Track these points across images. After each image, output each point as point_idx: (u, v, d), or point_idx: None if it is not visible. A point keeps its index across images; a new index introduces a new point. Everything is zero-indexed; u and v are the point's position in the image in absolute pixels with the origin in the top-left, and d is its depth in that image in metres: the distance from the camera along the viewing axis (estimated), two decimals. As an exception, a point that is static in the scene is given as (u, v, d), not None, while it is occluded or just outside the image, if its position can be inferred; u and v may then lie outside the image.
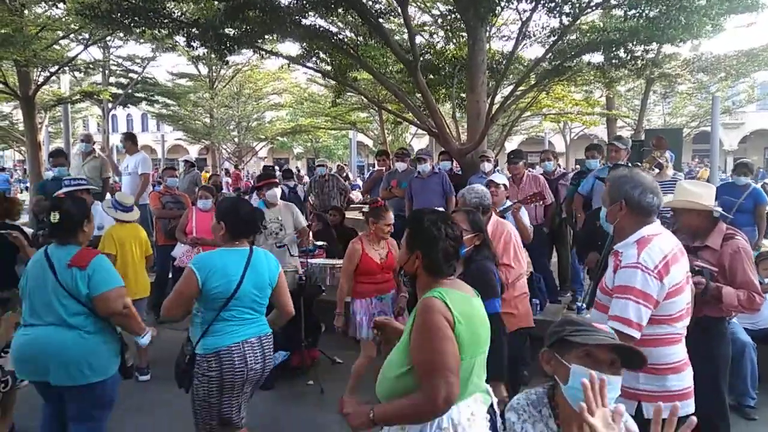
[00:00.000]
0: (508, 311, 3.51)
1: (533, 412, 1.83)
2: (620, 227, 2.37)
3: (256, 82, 23.81)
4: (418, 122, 8.34)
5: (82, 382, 2.81)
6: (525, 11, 7.28)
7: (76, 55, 14.18)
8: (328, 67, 9.38)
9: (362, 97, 14.61)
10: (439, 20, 11.05)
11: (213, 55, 8.82)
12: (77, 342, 2.80)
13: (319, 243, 5.94)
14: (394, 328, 2.26)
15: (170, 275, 6.41)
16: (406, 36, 8.15)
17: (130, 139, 7.84)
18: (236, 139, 25.65)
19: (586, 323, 1.78)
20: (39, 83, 12.34)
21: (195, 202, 6.17)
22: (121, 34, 13.86)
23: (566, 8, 6.71)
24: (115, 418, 3.27)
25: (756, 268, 3.38)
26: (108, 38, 16.24)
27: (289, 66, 12.02)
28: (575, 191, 5.82)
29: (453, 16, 9.59)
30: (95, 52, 19.26)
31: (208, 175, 16.57)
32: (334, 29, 8.82)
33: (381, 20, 7.74)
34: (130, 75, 20.46)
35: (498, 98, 8.22)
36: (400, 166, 6.92)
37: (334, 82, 11.75)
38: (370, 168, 26.46)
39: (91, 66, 17.32)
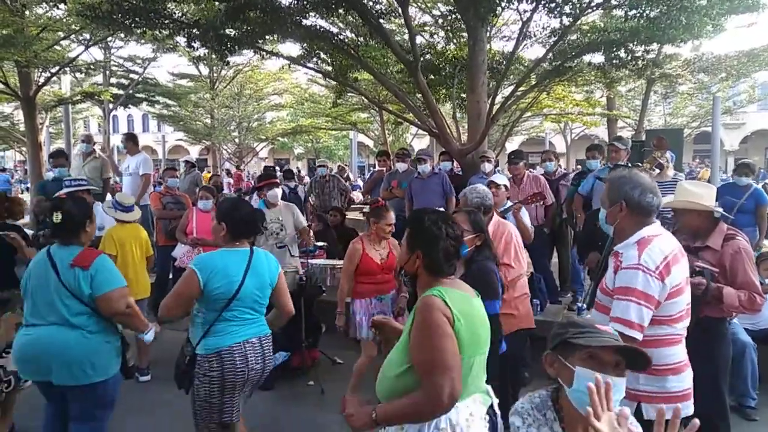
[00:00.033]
0: (508, 312, 3.51)
1: (538, 416, 1.81)
2: (620, 228, 2.36)
3: (257, 83, 23.84)
4: (419, 123, 8.34)
5: (85, 381, 2.82)
6: (525, 11, 7.28)
7: (77, 56, 14.21)
8: (329, 68, 9.39)
9: (363, 98, 14.62)
10: (440, 20, 11.05)
11: (214, 56, 8.84)
12: (79, 342, 2.81)
13: (320, 243, 5.94)
14: (392, 328, 2.26)
15: (171, 276, 6.41)
16: (406, 36, 8.15)
17: (131, 139, 7.84)
18: (237, 140, 25.68)
19: (589, 325, 1.76)
20: (40, 84, 12.36)
21: (195, 203, 6.17)
22: (122, 35, 13.88)
23: (567, 8, 6.70)
24: (115, 419, 3.27)
25: (757, 269, 3.38)
26: (109, 39, 16.26)
27: (289, 66, 12.05)
28: (575, 191, 5.82)
29: (453, 16, 9.60)
30: (96, 53, 19.31)
31: (209, 175, 16.60)
32: (334, 30, 8.83)
33: (381, 21, 7.74)
34: (131, 75, 20.50)
35: (498, 98, 8.22)
36: (401, 166, 6.92)
37: (335, 83, 11.75)
38: (371, 168, 26.46)
39: (92, 67, 17.34)
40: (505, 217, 4.32)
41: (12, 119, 20.74)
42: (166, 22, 7.25)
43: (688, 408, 2.33)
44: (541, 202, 5.50)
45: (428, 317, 1.84)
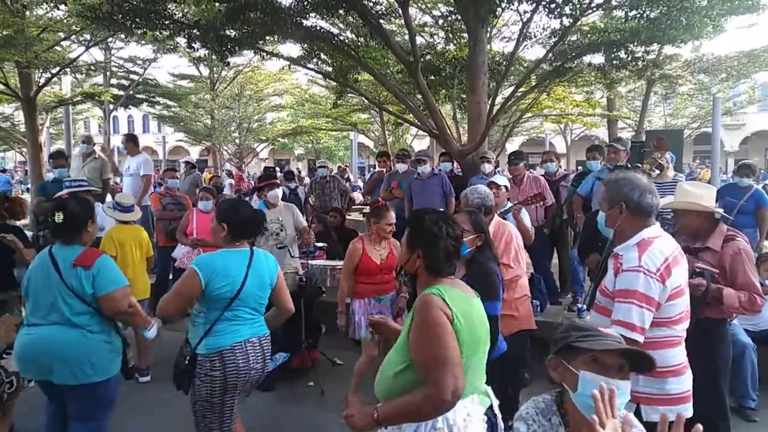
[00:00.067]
0: (509, 313, 3.51)
1: (543, 422, 1.79)
2: (621, 230, 2.36)
3: (257, 84, 23.83)
4: (419, 123, 8.35)
5: (85, 381, 2.83)
6: (526, 12, 7.28)
7: (78, 57, 14.22)
8: (329, 69, 9.39)
9: (363, 99, 14.62)
10: (440, 21, 11.05)
11: (214, 57, 8.84)
12: (80, 341, 2.82)
13: (320, 244, 5.95)
14: (389, 328, 2.26)
15: (170, 276, 6.41)
16: (406, 37, 8.15)
17: (131, 140, 7.85)
18: (237, 141, 25.67)
19: (592, 328, 1.75)
20: (40, 85, 12.36)
21: (196, 204, 6.18)
22: (123, 36, 13.89)
23: (567, 9, 6.70)
24: (115, 419, 3.27)
25: (757, 270, 3.38)
26: (109, 40, 16.26)
27: (290, 67, 12.05)
28: (575, 192, 5.82)
29: (453, 17, 9.60)
30: (96, 54, 19.31)
31: (210, 175, 16.61)
32: (335, 30, 8.83)
33: (382, 21, 7.75)
34: (132, 76, 20.49)
35: (499, 99, 8.22)
36: (401, 167, 6.92)
37: (335, 84, 11.75)
38: (371, 169, 26.46)
39: (92, 67, 17.37)
40: (505, 218, 4.32)
41: (12, 120, 20.73)
42: (167, 23, 7.25)
43: (687, 410, 2.33)
44: (541, 203, 5.50)
45: (428, 314, 1.83)
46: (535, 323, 3.84)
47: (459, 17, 8.63)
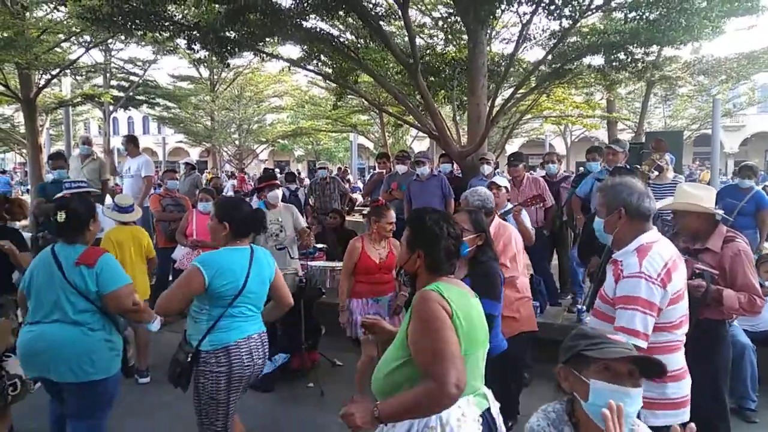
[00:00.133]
0: (510, 315, 3.51)
1: None
2: (619, 236, 2.35)
3: (257, 85, 23.87)
4: (419, 125, 8.35)
5: (85, 379, 2.85)
6: (525, 14, 7.28)
7: (78, 58, 14.22)
8: (329, 70, 9.39)
9: (363, 100, 14.63)
10: (440, 23, 11.07)
11: (214, 58, 8.85)
12: (81, 339, 2.84)
13: (319, 245, 5.95)
14: (382, 329, 2.26)
15: (170, 278, 6.41)
16: (406, 39, 8.15)
17: (131, 141, 7.85)
18: (237, 142, 25.70)
19: (601, 335, 1.73)
20: (40, 86, 12.35)
21: (195, 205, 6.18)
22: (123, 37, 13.93)
23: (566, 11, 6.71)
24: (114, 421, 3.27)
25: (756, 271, 3.38)
26: (109, 41, 16.28)
27: (290, 69, 12.01)
28: (574, 193, 5.82)
29: (453, 18, 9.61)
30: (96, 55, 19.33)
31: (211, 175, 16.62)
32: (335, 32, 8.85)
33: (381, 23, 7.75)
34: (131, 78, 20.51)
35: (498, 101, 8.22)
36: (401, 168, 6.93)
37: (335, 85, 11.75)
38: (371, 170, 26.48)
39: (92, 69, 17.36)
40: (505, 219, 4.33)
41: (12, 121, 20.72)
42: (167, 24, 7.26)
43: (684, 414, 2.34)
44: (541, 205, 5.50)
45: (426, 309, 1.83)
46: (536, 325, 3.84)
47: (458, 19, 8.64)
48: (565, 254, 6.29)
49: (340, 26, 9.59)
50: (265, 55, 8.73)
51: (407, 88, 9.95)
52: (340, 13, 7.46)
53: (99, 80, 20.79)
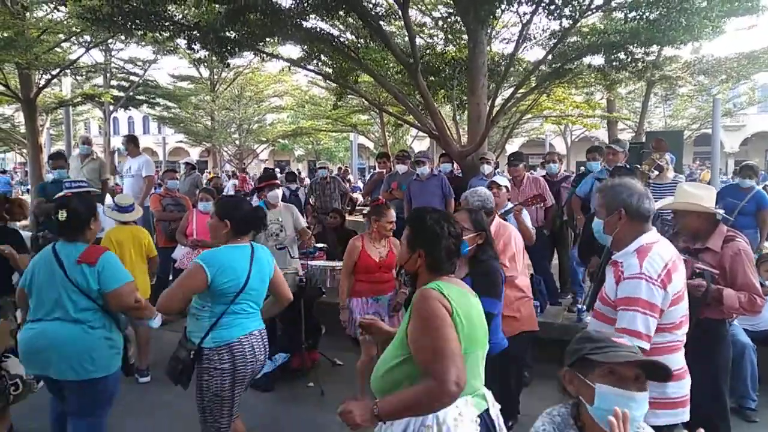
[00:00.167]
0: (510, 315, 3.51)
1: None
2: (619, 236, 2.35)
3: (257, 85, 23.88)
4: (419, 124, 8.36)
5: (85, 377, 2.86)
6: (525, 14, 7.28)
7: (78, 58, 14.23)
8: (329, 70, 9.40)
9: (363, 100, 14.63)
10: (440, 22, 11.07)
11: (214, 58, 8.85)
12: (81, 336, 2.86)
13: (320, 245, 5.95)
14: (379, 329, 2.26)
15: (170, 277, 6.41)
16: (406, 39, 8.16)
17: (132, 141, 7.85)
18: (237, 142, 25.71)
19: (606, 339, 1.71)
20: (40, 86, 12.36)
21: (195, 205, 6.18)
22: (123, 37, 13.92)
23: (566, 11, 6.71)
24: (115, 420, 3.27)
25: (757, 270, 3.38)
26: (109, 41, 16.28)
27: (290, 68, 12.03)
28: (574, 193, 5.82)
29: (453, 18, 9.61)
30: (97, 55, 19.33)
31: (212, 175, 16.62)
32: (335, 32, 8.85)
33: (382, 23, 7.75)
34: (132, 78, 20.52)
35: (499, 100, 8.22)
36: (401, 168, 6.94)
37: (335, 85, 11.76)
38: (371, 170, 26.48)
39: (92, 69, 17.36)
40: (506, 219, 4.33)
41: (13, 121, 20.73)
42: (167, 24, 7.26)
43: (684, 414, 2.34)
44: (541, 204, 5.50)
45: (426, 306, 1.82)
46: (537, 324, 3.84)
47: (459, 19, 8.64)
48: (566, 254, 6.29)
49: (341, 26, 9.59)
50: (265, 55, 8.73)
51: (407, 87, 9.95)
52: (340, 13, 7.46)
53: (99, 80, 20.80)
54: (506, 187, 4.75)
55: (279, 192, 5.32)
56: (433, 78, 9.64)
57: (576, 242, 5.86)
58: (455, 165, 7.52)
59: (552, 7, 6.70)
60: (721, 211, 3.29)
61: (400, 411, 1.81)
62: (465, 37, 8.24)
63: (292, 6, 7.11)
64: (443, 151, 7.66)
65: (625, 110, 21.79)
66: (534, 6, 6.93)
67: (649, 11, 6.98)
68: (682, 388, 2.33)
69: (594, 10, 7.50)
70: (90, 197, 3.61)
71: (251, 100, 24.55)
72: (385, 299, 4.30)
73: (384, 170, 7.89)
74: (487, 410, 1.97)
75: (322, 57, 8.69)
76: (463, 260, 2.83)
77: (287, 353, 4.86)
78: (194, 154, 35.28)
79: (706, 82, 18.45)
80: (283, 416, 4.28)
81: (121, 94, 19.52)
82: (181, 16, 7.63)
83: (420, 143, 28.50)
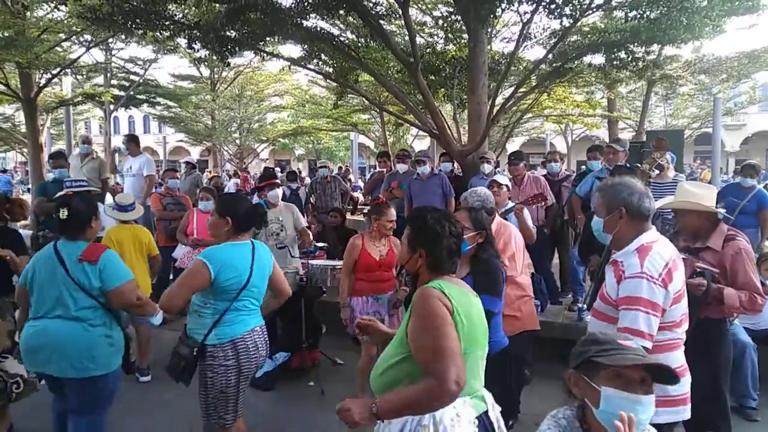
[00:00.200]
0: (511, 314, 3.50)
1: None
2: (619, 236, 2.35)
3: (258, 84, 23.87)
4: (419, 124, 8.35)
5: (85, 375, 2.87)
6: (526, 13, 7.28)
7: (78, 58, 14.24)
8: (330, 69, 9.39)
9: (364, 99, 14.62)
10: (440, 21, 11.06)
11: (214, 57, 8.83)
12: (81, 334, 2.87)
13: (320, 244, 5.96)
14: (377, 330, 2.25)
15: (171, 277, 6.41)
16: (407, 38, 8.16)
17: (132, 140, 7.85)
18: (238, 141, 25.71)
19: (611, 341, 1.70)
20: (41, 85, 12.37)
21: (196, 204, 6.19)
22: (123, 37, 13.91)
23: (567, 10, 6.70)
24: (115, 419, 3.28)
25: (757, 269, 3.38)
26: (110, 40, 16.29)
27: (290, 68, 12.02)
28: (574, 192, 5.82)
29: (453, 17, 9.60)
30: (97, 55, 19.33)
31: (212, 174, 16.62)
32: (335, 31, 8.85)
33: (382, 22, 7.75)
34: (132, 77, 20.52)
35: (499, 100, 8.22)
36: (401, 167, 6.94)
37: (336, 84, 11.76)
38: (372, 169, 26.48)
39: (93, 68, 17.37)
40: (506, 218, 4.32)
41: (13, 120, 20.74)
42: (167, 23, 7.26)
43: (685, 412, 2.34)
44: (542, 203, 5.50)
45: (426, 305, 1.82)
46: (538, 323, 3.84)
47: (459, 18, 8.63)
48: (566, 253, 6.29)
49: (341, 25, 9.59)
50: (265, 54, 8.72)
51: (408, 86, 9.95)
52: (341, 12, 7.46)
53: (100, 79, 20.79)
54: (507, 185, 4.74)
55: (279, 191, 5.33)
56: (433, 77, 9.63)
57: (576, 241, 5.86)
58: (456, 164, 7.51)
59: (552, 6, 6.69)
60: (722, 210, 3.29)
61: (399, 410, 1.79)
62: (465, 36, 8.23)
63: (293, 5, 7.11)
64: (443, 151, 7.65)
65: (625, 109, 21.77)
66: (534, 5, 6.92)
67: (649, 10, 6.97)
68: (682, 386, 2.32)
69: (594, 9, 7.49)
70: (91, 196, 3.62)
71: (252, 99, 24.55)
72: (385, 298, 4.30)
73: (384, 169, 7.88)
74: (486, 412, 1.96)
75: (323, 56, 8.69)
76: (465, 260, 2.84)
77: (288, 352, 4.86)
78: (195, 153, 35.29)
79: (707, 81, 18.44)
80: (284, 415, 4.29)
81: (122, 93, 19.51)
82: (181, 16, 7.63)
83: (420, 142, 28.50)
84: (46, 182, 7.55)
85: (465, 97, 8.36)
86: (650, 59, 9.37)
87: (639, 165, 4.99)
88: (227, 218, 2.95)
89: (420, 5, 11.28)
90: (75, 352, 2.84)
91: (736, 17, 9.21)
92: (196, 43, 7.53)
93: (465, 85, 8.36)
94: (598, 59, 8.83)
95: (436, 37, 11.75)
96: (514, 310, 3.56)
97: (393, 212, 4.29)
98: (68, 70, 14.23)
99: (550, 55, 8.12)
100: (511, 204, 4.68)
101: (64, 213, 2.92)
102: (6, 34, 10.44)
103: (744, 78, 17.86)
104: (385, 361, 1.95)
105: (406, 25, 7.23)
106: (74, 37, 12.96)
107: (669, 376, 1.66)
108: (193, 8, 7.76)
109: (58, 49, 12.81)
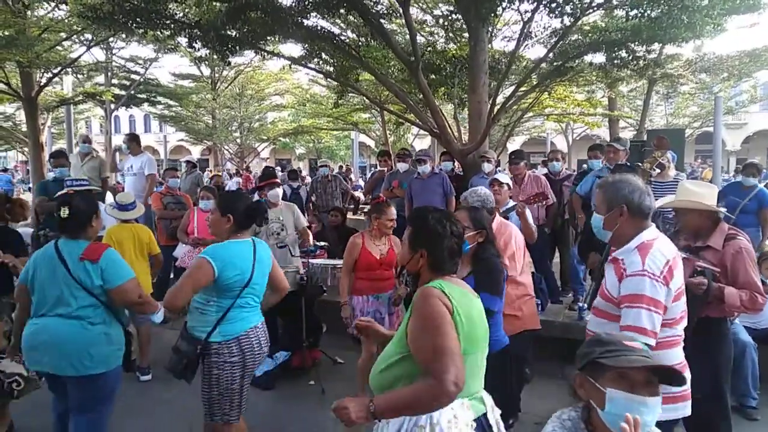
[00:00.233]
0: (512, 313, 3.50)
1: None
2: (620, 233, 2.35)
3: (258, 83, 23.90)
4: (420, 123, 8.35)
5: (84, 373, 2.87)
6: (526, 12, 7.27)
7: (79, 57, 14.25)
8: (330, 68, 9.39)
9: (364, 98, 14.62)
10: (441, 20, 11.06)
11: (215, 56, 8.83)
12: (80, 332, 2.87)
13: (321, 243, 5.96)
14: (376, 331, 2.25)
15: (172, 276, 6.42)
16: (407, 37, 8.15)
17: (133, 140, 7.86)
18: (238, 140, 25.72)
19: (616, 341, 1.69)
20: (42, 84, 12.37)
21: (197, 203, 6.19)
22: (124, 36, 13.91)
23: (568, 9, 6.69)
24: (115, 418, 3.28)
25: (758, 269, 3.37)
26: (110, 39, 16.29)
27: (291, 67, 12.04)
28: (575, 191, 5.82)
29: (454, 16, 9.60)
30: (98, 54, 19.34)
31: (213, 174, 16.63)
32: (335, 30, 8.83)
33: (382, 21, 7.74)
34: (133, 76, 20.52)
35: (500, 99, 8.21)
36: (402, 166, 6.94)
37: (336, 83, 11.76)
38: (372, 168, 26.47)
39: (93, 67, 17.37)
40: (507, 217, 4.32)
41: (14, 120, 20.75)
42: (168, 22, 7.25)
43: (686, 409, 2.34)
44: (543, 202, 5.50)
45: (427, 304, 1.82)
46: (539, 323, 3.84)
47: (459, 16, 8.62)
48: (567, 252, 6.29)
49: (341, 24, 9.58)
50: (266, 54, 8.71)
51: (408, 85, 9.94)
52: (341, 11, 7.45)
53: (100, 78, 20.79)
54: (507, 184, 4.73)
55: (279, 191, 5.32)
56: (434, 76, 9.63)
57: (577, 240, 5.86)
58: (456, 163, 7.51)
59: (553, 5, 6.68)
60: (723, 210, 3.28)
61: (397, 409, 1.78)
62: (466, 34, 8.23)
63: (293, 4, 7.10)
64: (444, 150, 7.65)
65: (626, 108, 21.77)
66: (535, 4, 6.91)
67: (650, 9, 6.96)
68: None
69: (595, 8, 7.48)
70: (91, 195, 3.62)
71: (252, 98, 24.59)
72: (385, 297, 4.30)
73: (385, 168, 7.89)
74: (485, 414, 1.94)
75: (323, 55, 8.68)
76: (466, 259, 2.83)
77: (288, 351, 4.87)
78: (195, 152, 35.31)
79: (708, 80, 18.42)
80: (284, 414, 4.29)
81: (123, 92, 19.51)
82: (182, 15, 7.63)
83: (421, 141, 28.50)
84: (47, 181, 7.56)
85: (465, 96, 8.36)
86: (651, 58, 9.36)
87: (640, 164, 4.98)
88: (228, 216, 2.95)
89: (420, 4, 11.28)
90: (73, 350, 2.85)
91: (737, 16, 9.20)
92: (196, 42, 7.53)
93: (465, 84, 8.36)
94: (599, 58, 8.83)
95: (436, 35, 11.75)
96: (515, 309, 3.56)
97: (393, 211, 4.29)
98: (69, 69, 14.24)
99: (550, 54, 8.11)
100: (512, 203, 4.67)
101: (65, 212, 2.93)
102: (7, 33, 10.45)
103: (745, 77, 17.84)
104: (384, 360, 1.94)
105: (407, 23, 7.22)
106: (75, 36, 12.98)
107: (675, 377, 1.65)
108: (194, 7, 7.76)
109: (59, 48, 12.82)
